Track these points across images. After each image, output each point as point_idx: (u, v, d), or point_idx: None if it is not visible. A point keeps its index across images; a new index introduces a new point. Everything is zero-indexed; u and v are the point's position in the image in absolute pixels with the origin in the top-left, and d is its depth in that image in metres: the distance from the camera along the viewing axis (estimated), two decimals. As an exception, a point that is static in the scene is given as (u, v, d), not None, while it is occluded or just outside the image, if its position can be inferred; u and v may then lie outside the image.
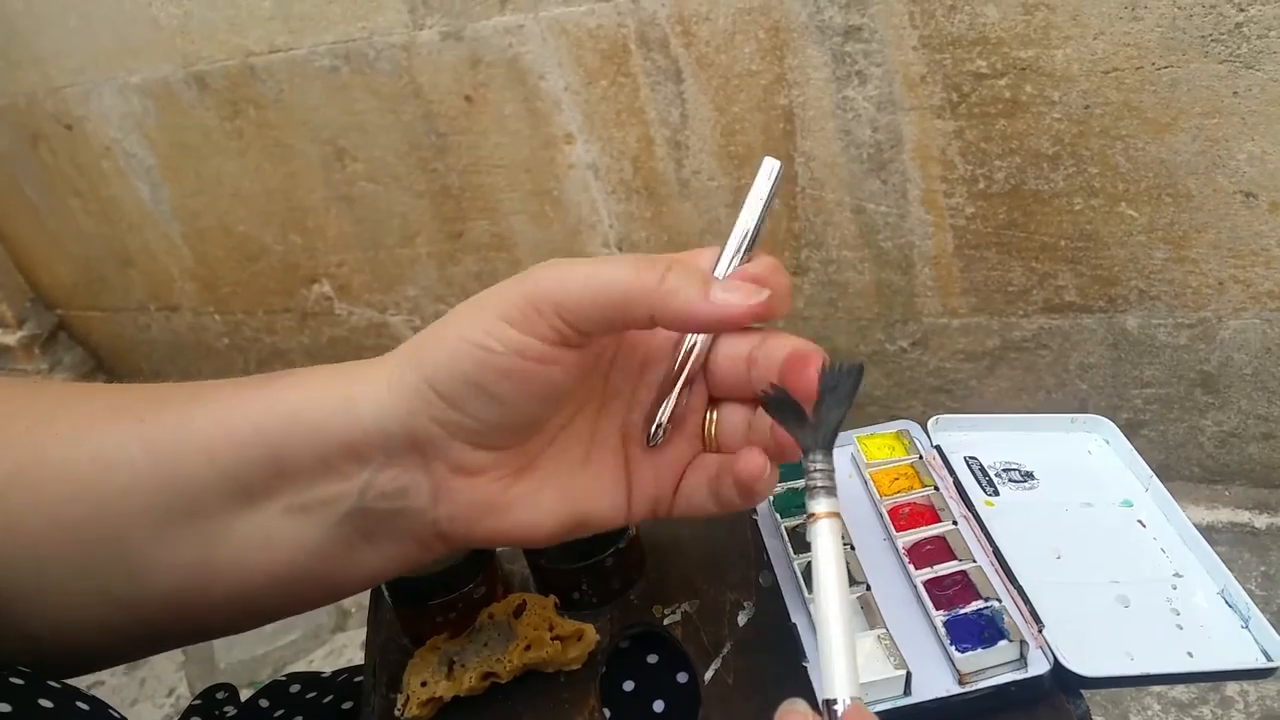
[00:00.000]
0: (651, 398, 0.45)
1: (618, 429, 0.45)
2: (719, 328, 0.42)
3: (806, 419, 0.39)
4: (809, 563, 0.54)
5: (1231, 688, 1.08)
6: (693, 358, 0.43)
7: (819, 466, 0.39)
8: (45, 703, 0.40)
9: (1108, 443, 0.62)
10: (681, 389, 0.44)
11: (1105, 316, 1.32)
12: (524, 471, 0.43)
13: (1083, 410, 1.40)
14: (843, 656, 0.36)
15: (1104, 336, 1.34)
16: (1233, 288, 1.22)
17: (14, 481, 0.42)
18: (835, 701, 0.35)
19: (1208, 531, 1.36)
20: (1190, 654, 0.49)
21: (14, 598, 0.43)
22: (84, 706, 0.41)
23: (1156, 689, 1.09)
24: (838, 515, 0.39)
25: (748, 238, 0.43)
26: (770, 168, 0.43)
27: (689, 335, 0.43)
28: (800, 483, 0.59)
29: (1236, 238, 1.18)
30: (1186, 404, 1.35)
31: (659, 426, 0.44)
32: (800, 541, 0.55)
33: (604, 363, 0.45)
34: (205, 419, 0.42)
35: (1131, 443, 0.60)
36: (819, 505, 0.39)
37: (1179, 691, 1.11)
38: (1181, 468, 1.42)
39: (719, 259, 0.43)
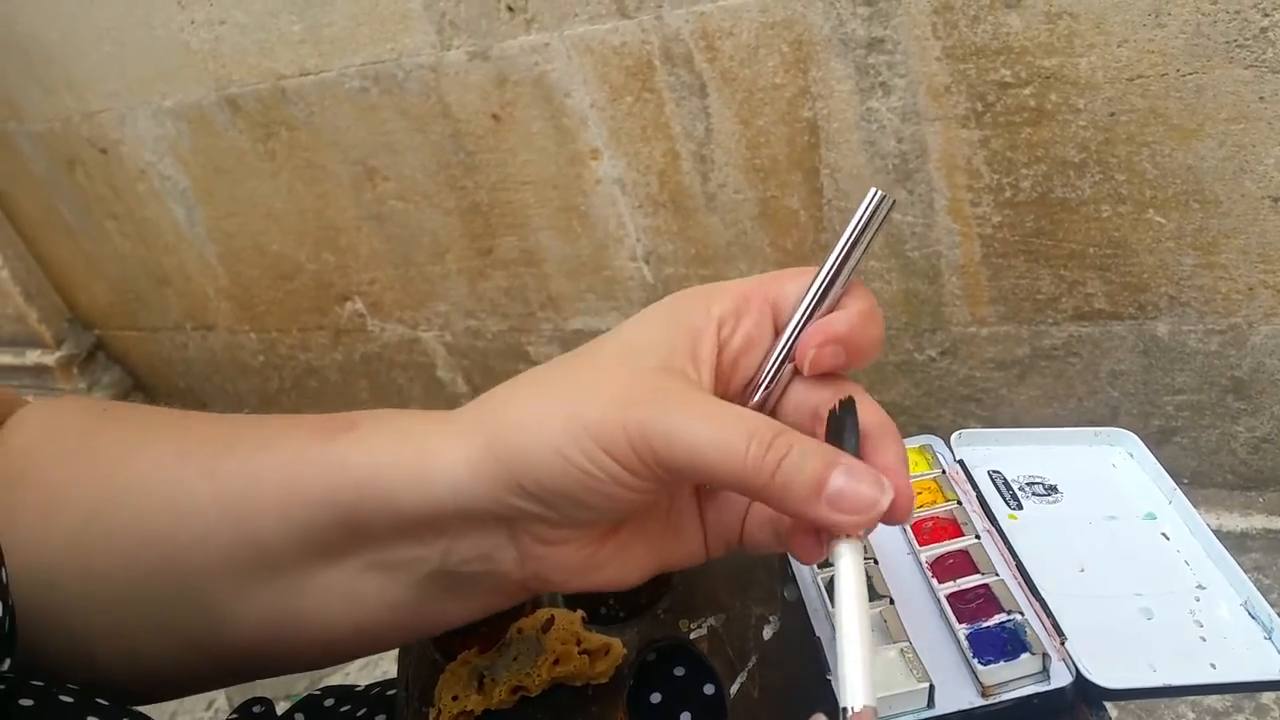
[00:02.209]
0: None
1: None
2: (825, 532, 0.39)
3: (852, 439, 0.38)
4: (833, 576, 0.55)
5: (1266, 696, 1.08)
6: (761, 402, 0.42)
7: None
8: (65, 699, 0.40)
9: (1131, 455, 0.62)
10: (754, 403, 0.42)
11: (1135, 323, 1.32)
12: (610, 536, 0.42)
13: (1114, 418, 1.40)
14: (857, 666, 0.36)
15: (1134, 344, 1.33)
16: (1263, 293, 1.21)
17: (92, 522, 0.42)
18: (849, 710, 0.35)
19: (1241, 539, 1.35)
20: (1213, 665, 0.49)
21: (91, 635, 0.43)
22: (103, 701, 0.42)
23: (1191, 698, 1.09)
24: (860, 537, 0.38)
25: (832, 276, 0.40)
26: (874, 197, 0.40)
27: (760, 377, 0.42)
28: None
29: (1266, 243, 1.18)
30: (1219, 410, 1.34)
31: None
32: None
33: None
34: (274, 477, 0.41)
35: (1163, 450, 0.60)
36: None
37: (1213, 700, 1.10)
38: (1214, 475, 1.41)
39: (804, 297, 0.41)
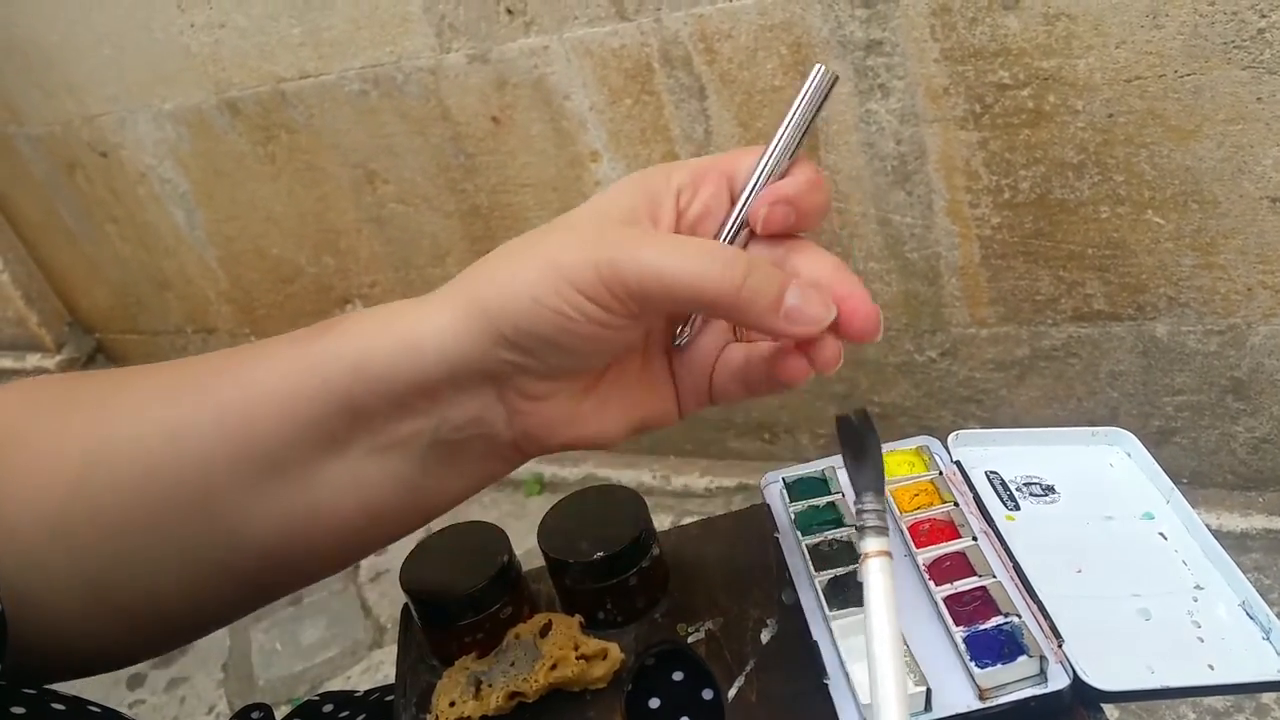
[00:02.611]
0: None
1: (667, 331, 0.47)
2: (790, 338, 0.43)
3: (871, 454, 0.40)
4: (830, 579, 0.55)
5: (1267, 696, 1.08)
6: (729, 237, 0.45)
7: (872, 507, 0.40)
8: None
9: (1129, 455, 0.62)
10: None
11: (1134, 324, 1.32)
12: (590, 389, 0.45)
13: (1114, 418, 1.40)
14: (892, 692, 0.36)
15: (1134, 344, 1.33)
16: (1261, 293, 1.21)
17: (91, 467, 0.43)
18: None
19: (1241, 539, 1.35)
20: (1211, 666, 0.49)
21: (106, 577, 0.44)
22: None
23: (1193, 698, 1.09)
24: (889, 554, 0.39)
25: (778, 148, 0.43)
26: (818, 73, 0.43)
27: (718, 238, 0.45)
28: (821, 500, 0.60)
29: (1264, 243, 1.18)
30: (1218, 411, 1.34)
31: (682, 329, 0.46)
32: (821, 558, 0.56)
33: None
34: (270, 379, 0.43)
35: (1163, 451, 0.60)
36: (870, 544, 0.39)
37: (1214, 699, 1.10)
38: (1214, 475, 1.41)
39: (756, 166, 0.44)
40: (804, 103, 0.43)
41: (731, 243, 0.44)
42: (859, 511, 0.40)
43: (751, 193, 0.44)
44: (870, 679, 0.37)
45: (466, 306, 0.41)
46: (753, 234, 0.44)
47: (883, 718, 0.36)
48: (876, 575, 0.39)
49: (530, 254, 0.41)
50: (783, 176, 0.44)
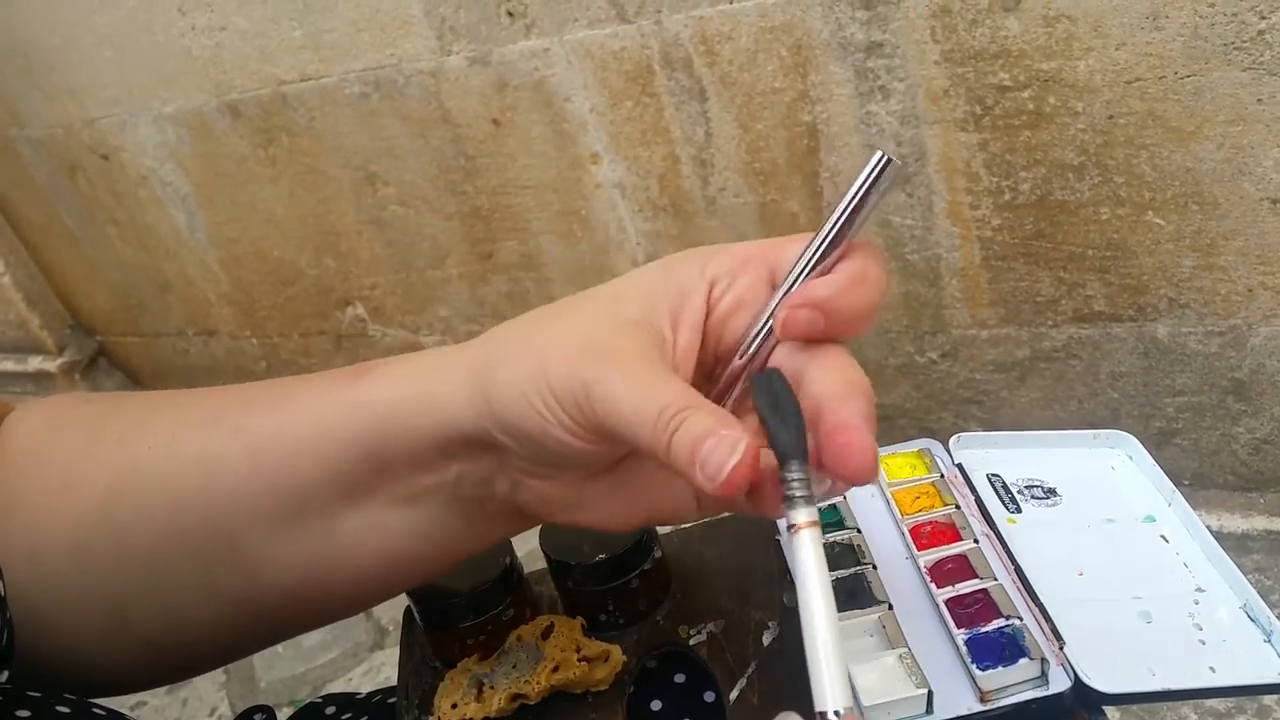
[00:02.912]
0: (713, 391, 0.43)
1: None
2: (729, 491, 0.36)
3: (791, 419, 0.36)
4: (831, 582, 0.55)
5: (1269, 698, 1.08)
6: (744, 366, 0.41)
7: (797, 475, 0.36)
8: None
9: (1131, 458, 0.62)
10: (733, 392, 0.42)
11: (1135, 325, 1.32)
12: (595, 479, 0.43)
13: (1115, 420, 1.40)
14: (832, 667, 0.35)
15: (1134, 345, 1.33)
16: (1262, 294, 1.22)
17: (118, 493, 0.44)
18: (827, 714, 0.34)
19: (1242, 540, 1.35)
20: (1212, 669, 0.49)
21: (130, 605, 0.45)
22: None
23: (1193, 700, 1.09)
24: (818, 524, 0.36)
25: (827, 239, 0.39)
26: (880, 160, 0.37)
27: (745, 340, 0.41)
28: (825, 502, 0.60)
29: (1265, 244, 1.18)
30: (1219, 412, 1.34)
31: None
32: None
33: None
34: (304, 421, 0.43)
35: (1164, 452, 0.60)
36: (799, 515, 0.36)
37: (1216, 701, 1.10)
38: (1215, 476, 1.41)
39: (801, 256, 0.39)
40: (863, 190, 0.38)
41: (761, 345, 0.41)
42: (784, 480, 0.36)
43: (789, 289, 0.40)
44: (807, 655, 0.35)
45: (475, 381, 0.41)
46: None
47: (825, 697, 0.34)
48: (808, 548, 0.35)
49: (533, 343, 0.40)
50: (826, 271, 0.39)
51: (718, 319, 0.42)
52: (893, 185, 0.38)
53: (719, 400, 0.42)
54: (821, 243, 0.39)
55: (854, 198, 0.38)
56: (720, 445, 0.34)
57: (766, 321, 0.40)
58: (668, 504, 0.43)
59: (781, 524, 0.60)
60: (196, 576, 0.44)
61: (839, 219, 0.38)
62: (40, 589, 0.43)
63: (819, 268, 0.39)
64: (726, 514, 0.45)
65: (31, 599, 0.43)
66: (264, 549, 0.44)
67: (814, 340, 0.39)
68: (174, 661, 0.48)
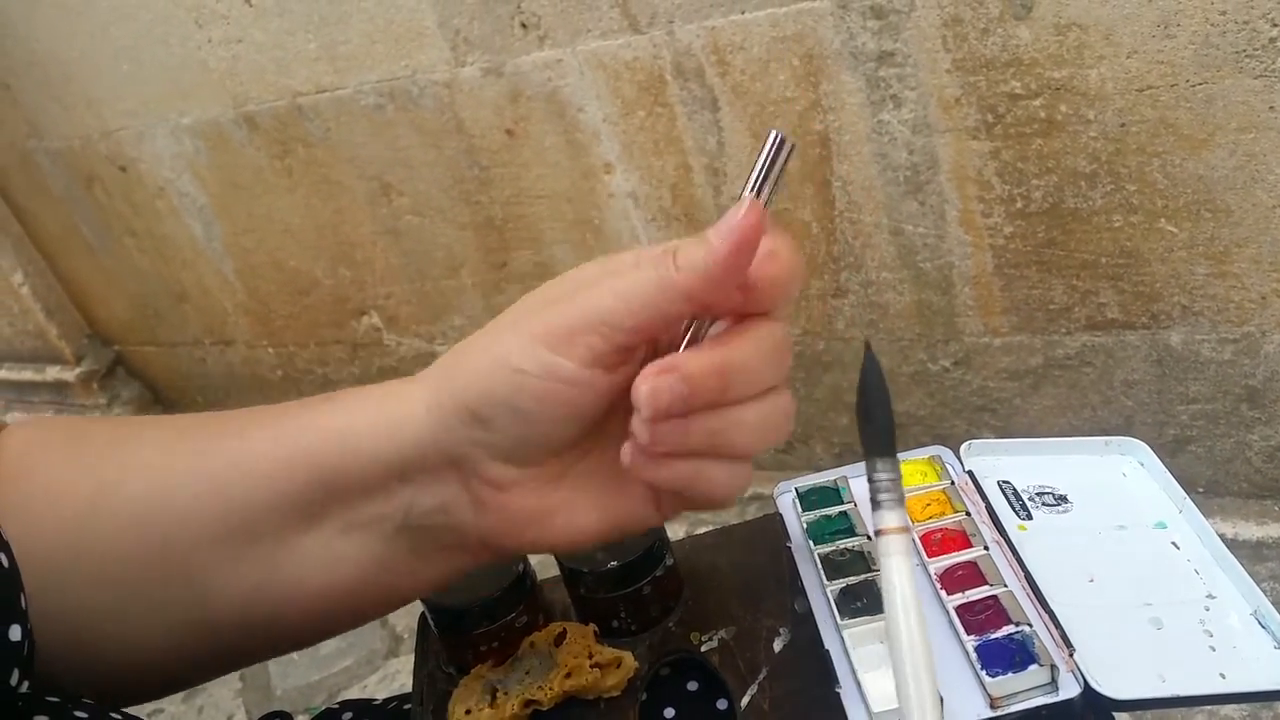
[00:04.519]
0: None
1: None
2: (742, 256, 0.38)
3: (881, 419, 0.38)
4: (842, 588, 0.55)
5: (1282, 706, 1.07)
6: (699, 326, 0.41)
7: (886, 476, 0.37)
8: None
9: (1142, 465, 0.62)
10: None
11: (1148, 333, 1.31)
12: (559, 482, 0.43)
13: (1129, 427, 1.40)
14: (923, 687, 0.35)
15: (1148, 353, 1.33)
16: (1275, 302, 1.21)
17: (90, 511, 0.44)
18: None
19: (1257, 548, 1.34)
20: (1223, 675, 0.49)
21: (92, 625, 0.45)
22: None
23: (1207, 708, 1.08)
24: (909, 531, 0.37)
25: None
26: (772, 139, 0.38)
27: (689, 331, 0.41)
28: (833, 510, 0.60)
29: (1277, 251, 1.18)
30: (1233, 419, 1.34)
31: None
32: (833, 567, 0.56)
33: (636, 370, 0.42)
34: (260, 446, 0.44)
35: (1178, 459, 0.61)
36: (888, 519, 0.37)
37: (1231, 709, 1.10)
38: (1230, 483, 1.41)
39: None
40: (764, 172, 0.39)
41: (701, 335, 0.41)
42: (871, 481, 0.37)
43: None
44: (896, 681, 0.36)
45: (438, 386, 0.42)
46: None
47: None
48: (895, 559, 0.36)
49: (504, 323, 0.41)
50: None
51: None
52: (784, 169, 0.39)
53: None
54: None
55: (757, 181, 0.39)
56: (723, 223, 0.37)
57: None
58: (629, 509, 0.44)
59: (794, 531, 0.60)
60: (152, 598, 0.45)
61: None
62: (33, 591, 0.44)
63: None
64: (707, 519, 0.44)
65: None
66: (215, 571, 0.44)
67: (745, 315, 0.40)
68: (131, 684, 0.48)
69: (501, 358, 0.40)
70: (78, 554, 0.44)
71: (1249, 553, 1.34)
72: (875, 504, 0.38)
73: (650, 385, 0.38)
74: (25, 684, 0.41)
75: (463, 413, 0.41)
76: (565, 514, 0.43)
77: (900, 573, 0.37)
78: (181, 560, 0.44)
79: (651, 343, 0.43)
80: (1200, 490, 1.41)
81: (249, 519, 0.44)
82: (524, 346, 0.40)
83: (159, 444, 0.47)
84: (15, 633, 0.41)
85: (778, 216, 1.41)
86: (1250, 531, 1.37)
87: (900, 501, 0.38)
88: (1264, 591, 0.53)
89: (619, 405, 0.42)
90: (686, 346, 0.40)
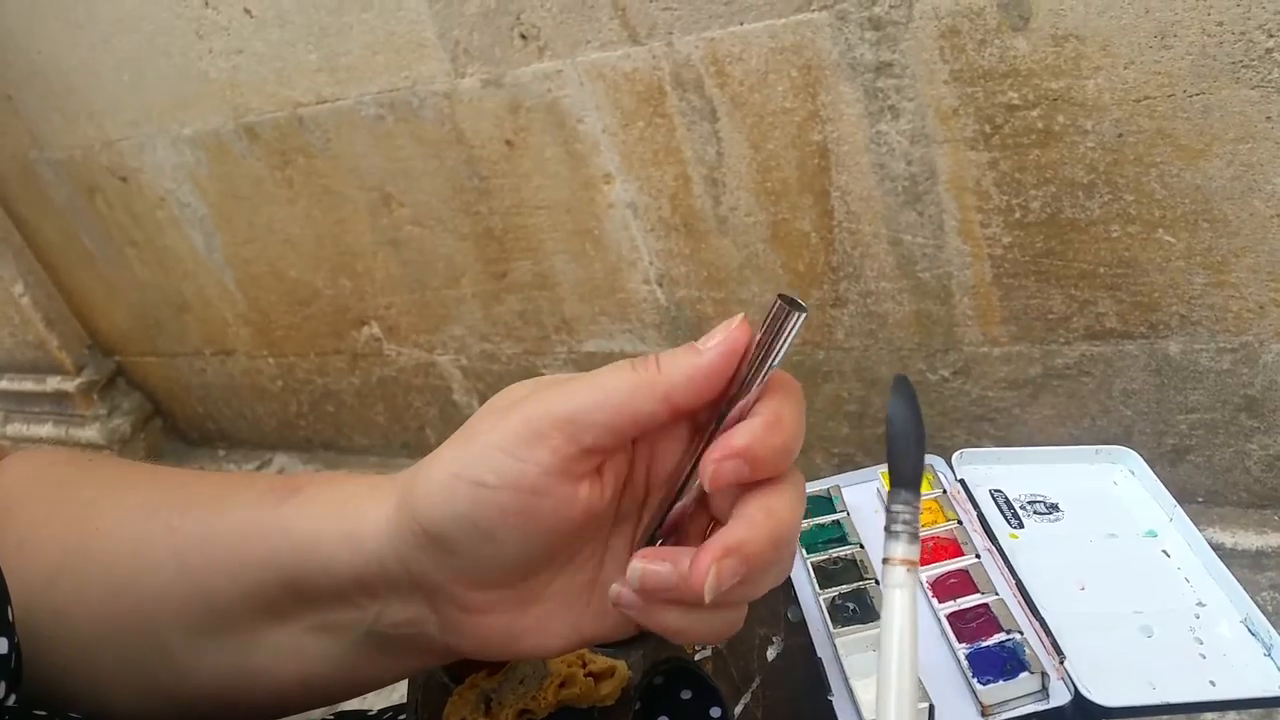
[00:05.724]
0: (649, 519, 0.43)
1: (626, 553, 0.43)
2: (727, 366, 0.38)
3: (911, 447, 0.38)
4: (835, 596, 0.55)
5: (1278, 713, 1.07)
6: (691, 478, 0.41)
7: (903, 506, 0.37)
8: None
9: (1132, 473, 0.62)
10: (678, 508, 0.41)
11: (1147, 342, 1.32)
12: (531, 604, 0.42)
13: (1127, 437, 1.40)
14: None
15: (1146, 363, 1.33)
16: (1274, 311, 1.21)
17: (63, 571, 0.45)
18: None
19: (1256, 558, 1.34)
20: (1213, 683, 0.49)
21: (63, 676, 0.45)
22: None
23: (1197, 716, 1.08)
24: (916, 565, 0.37)
25: (743, 386, 0.39)
26: (779, 313, 0.38)
27: (674, 485, 0.41)
28: (826, 518, 0.60)
29: (1276, 261, 1.18)
30: (1232, 429, 1.34)
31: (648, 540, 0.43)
32: (825, 575, 0.56)
33: (609, 491, 0.41)
34: (226, 538, 0.43)
35: (1177, 469, 0.61)
36: (896, 549, 0.37)
37: (1217, 716, 1.09)
38: (1229, 493, 1.40)
39: (721, 408, 0.39)
40: (772, 339, 0.38)
41: (685, 493, 0.41)
42: (889, 510, 0.37)
43: (706, 442, 0.40)
44: (879, 712, 0.35)
45: (398, 502, 0.40)
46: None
47: None
48: (899, 591, 0.36)
49: (462, 434, 0.40)
50: (744, 416, 0.39)
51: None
52: (794, 334, 0.38)
53: (650, 528, 0.43)
54: (738, 389, 0.39)
55: (764, 348, 0.38)
56: (711, 335, 0.38)
57: (687, 473, 0.41)
58: (605, 624, 0.43)
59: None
60: (128, 664, 0.45)
61: (750, 368, 0.39)
62: None
63: (735, 414, 0.39)
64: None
65: None
66: (190, 652, 0.44)
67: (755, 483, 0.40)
68: None
69: (460, 472, 0.38)
70: (49, 610, 0.45)
71: (1248, 562, 1.34)
72: (890, 532, 0.38)
73: (716, 568, 0.37)
74: (13, 697, 0.41)
75: (422, 538, 0.39)
76: (535, 637, 0.42)
77: (902, 608, 0.37)
78: (154, 631, 0.44)
79: (622, 474, 0.42)
80: (1199, 500, 1.41)
81: (219, 610, 0.43)
82: (483, 456, 0.38)
83: (136, 509, 0.46)
84: (2, 645, 0.41)
85: (777, 224, 1.42)
86: (1250, 541, 1.36)
87: (915, 537, 0.38)
88: (1264, 601, 0.53)
89: (592, 523, 0.41)
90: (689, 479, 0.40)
